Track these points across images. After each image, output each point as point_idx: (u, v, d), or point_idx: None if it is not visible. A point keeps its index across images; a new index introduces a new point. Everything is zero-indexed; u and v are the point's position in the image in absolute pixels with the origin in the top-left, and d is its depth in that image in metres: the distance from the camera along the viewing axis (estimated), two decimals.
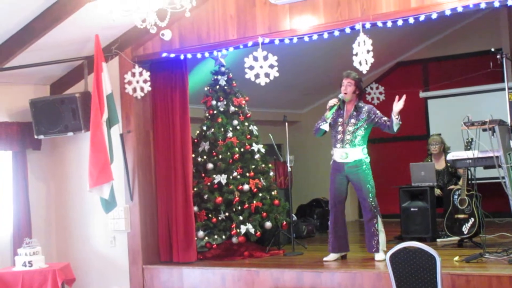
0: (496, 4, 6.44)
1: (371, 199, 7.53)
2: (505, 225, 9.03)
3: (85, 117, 7.98)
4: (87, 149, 7.71)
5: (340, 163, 7.63)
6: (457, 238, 8.28)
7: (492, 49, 7.35)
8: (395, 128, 7.49)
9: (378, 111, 7.67)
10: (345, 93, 7.62)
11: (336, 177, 7.69)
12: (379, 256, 7.46)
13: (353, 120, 7.58)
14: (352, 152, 7.57)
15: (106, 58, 7.93)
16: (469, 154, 7.29)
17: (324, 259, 7.72)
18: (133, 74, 8.24)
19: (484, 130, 6.94)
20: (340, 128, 7.63)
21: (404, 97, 7.41)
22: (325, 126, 7.64)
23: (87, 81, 8.22)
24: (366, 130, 7.62)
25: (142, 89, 8.24)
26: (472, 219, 8.07)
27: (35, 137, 8.29)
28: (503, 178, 6.79)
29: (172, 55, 8.03)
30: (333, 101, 7.61)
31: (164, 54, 8.05)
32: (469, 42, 12.20)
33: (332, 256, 7.73)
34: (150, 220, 8.39)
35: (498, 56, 7.21)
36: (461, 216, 8.18)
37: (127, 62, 8.28)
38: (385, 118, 7.60)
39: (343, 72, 7.70)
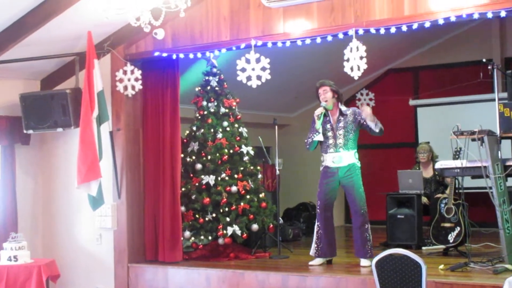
0: (489, 15, 6.48)
1: (362, 204, 7.56)
2: (491, 235, 9.05)
3: (75, 114, 7.95)
4: (76, 145, 7.69)
5: (333, 168, 7.64)
6: (442, 246, 8.31)
7: (484, 60, 7.39)
8: (377, 130, 7.52)
9: (361, 114, 7.68)
10: (326, 101, 7.65)
11: (328, 181, 7.69)
12: (365, 262, 7.48)
13: (341, 124, 7.61)
14: (346, 156, 7.59)
15: (98, 55, 7.91)
16: (457, 163, 7.34)
17: (310, 263, 7.73)
18: (125, 72, 8.23)
19: (473, 140, 6.99)
20: (330, 134, 7.65)
21: (367, 107, 7.47)
22: (319, 137, 7.66)
23: (78, 78, 8.20)
24: (355, 132, 7.65)
25: (133, 87, 8.23)
26: (458, 228, 8.10)
27: (24, 131, 8.26)
28: (490, 188, 6.83)
29: (165, 55, 8.03)
30: (319, 110, 7.64)
31: (157, 53, 8.05)
32: (461, 51, 12.26)
33: (318, 261, 7.74)
34: (137, 219, 8.38)
35: (489, 67, 7.25)
36: (447, 224, 8.21)
37: (119, 59, 8.26)
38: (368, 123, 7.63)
39: (316, 83, 7.75)
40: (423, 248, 8.80)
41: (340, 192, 7.87)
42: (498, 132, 7.09)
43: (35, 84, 8.77)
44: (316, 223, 7.85)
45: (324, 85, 7.70)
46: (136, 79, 8.22)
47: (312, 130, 7.70)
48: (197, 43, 7.90)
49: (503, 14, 6.42)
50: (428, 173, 9.70)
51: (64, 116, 8.04)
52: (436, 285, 6.31)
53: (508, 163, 7.00)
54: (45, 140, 8.82)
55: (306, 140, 7.79)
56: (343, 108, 7.72)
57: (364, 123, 7.60)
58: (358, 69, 6.87)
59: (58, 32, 7.58)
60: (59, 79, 8.66)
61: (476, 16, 6.51)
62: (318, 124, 7.61)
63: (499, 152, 6.98)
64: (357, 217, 7.62)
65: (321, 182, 7.74)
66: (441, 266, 7.01)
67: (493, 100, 7.24)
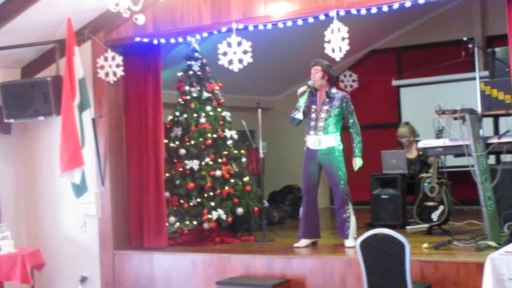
0: None
1: (342, 186, 7.58)
2: (474, 213, 9.12)
3: (56, 101, 7.90)
4: (58, 133, 7.65)
5: (313, 150, 7.66)
6: (426, 225, 8.36)
7: (464, 39, 7.41)
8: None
9: (350, 103, 7.68)
10: (313, 80, 7.65)
11: (309, 163, 7.72)
12: (349, 242, 7.52)
13: (326, 107, 7.61)
14: (325, 139, 7.60)
15: (78, 42, 7.86)
16: (439, 142, 7.37)
17: (295, 245, 7.76)
18: (106, 59, 8.18)
19: (455, 118, 7.02)
20: (313, 115, 7.65)
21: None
22: (299, 115, 7.67)
23: (58, 65, 8.14)
24: (339, 117, 7.65)
25: (114, 73, 8.18)
26: (442, 207, 8.14)
27: (5, 121, 8.20)
28: (472, 166, 6.87)
29: (146, 40, 7.99)
30: (302, 89, 7.65)
31: (138, 39, 8.01)
32: (442, 31, 12.26)
33: (303, 242, 7.77)
34: (121, 206, 8.36)
35: (470, 46, 7.27)
36: (430, 203, 8.25)
37: (99, 46, 8.21)
38: (352, 121, 7.67)
39: (312, 61, 7.73)
40: (407, 227, 8.85)
41: (324, 174, 7.88)
42: (479, 110, 7.12)
43: (15, 72, 8.71)
44: (302, 205, 7.89)
45: (317, 64, 7.67)
46: (118, 66, 8.17)
47: (296, 107, 7.70)
48: (178, 28, 7.87)
49: None
50: (412, 153, 9.74)
51: (45, 104, 7.99)
52: (420, 264, 6.35)
53: (489, 141, 7.04)
54: (26, 129, 8.77)
55: (290, 115, 7.78)
56: (333, 90, 7.70)
57: (348, 116, 7.67)
58: (340, 50, 6.87)
59: (38, 19, 7.53)
60: (40, 67, 8.60)
61: None
62: (301, 102, 7.61)
63: (481, 130, 7.01)
64: (337, 199, 7.66)
65: (304, 165, 7.77)
66: (425, 245, 7.06)
67: (475, 78, 7.26)
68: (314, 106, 7.67)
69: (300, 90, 7.65)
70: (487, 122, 7.78)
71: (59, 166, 7.58)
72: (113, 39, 8.25)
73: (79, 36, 8.01)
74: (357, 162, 7.68)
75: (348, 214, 7.60)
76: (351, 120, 7.68)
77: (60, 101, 7.69)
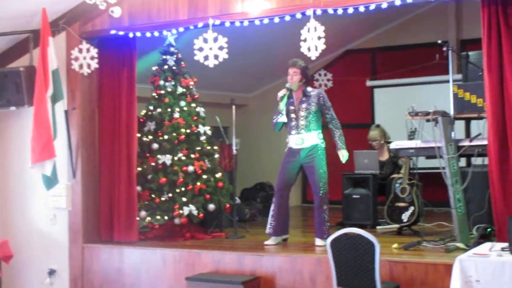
0: None
1: (322, 185, 7.58)
2: (443, 214, 9.20)
3: (29, 92, 7.84)
4: (30, 124, 7.59)
5: (296, 149, 7.65)
6: (396, 225, 8.42)
7: (439, 41, 7.46)
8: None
9: (327, 99, 7.70)
10: (291, 82, 7.65)
11: (289, 163, 7.71)
12: (319, 241, 7.54)
13: (304, 105, 7.61)
14: (308, 137, 7.61)
15: (53, 33, 7.79)
16: (412, 143, 7.42)
17: (265, 242, 7.77)
18: (80, 50, 8.13)
19: (428, 120, 7.07)
20: (293, 115, 7.65)
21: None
22: (283, 118, 7.65)
23: (32, 55, 8.07)
24: (318, 114, 7.66)
25: (89, 65, 8.13)
26: (412, 208, 8.20)
27: None
28: (443, 168, 6.92)
29: (121, 33, 7.94)
30: (282, 92, 7.63)
31: (113, 32, 7.96)
32: (417, 33, 12.35)
33: (274, 240, 7.78)
34: (92, 199, 8.31)
35: (444, 49, 7.33)
36: (401, 204, 8.31)
37: (74, 37, 8.15)
38: (330, 116, 7.67)
39: (289, 61, 7.71)
40: (378, 227, 8.90)
41: (305, 172, 7.89)
42: (452, 113, 7.18)
43: None
44: (273, 202, 7.89)
45: (295, 66, 7.63)
46: (92, 58, 8.12)
47: (277, 111, 7.69)
48: (154, 22, 7.84)
49: None
50: (383, 156, 9.78)
51: (17, 94, 7.92)
52: (390, 264, 6.39)
53: (461, 144, 7.10)
54: None
55: (272, 121, 7.77)
56: (308, 89, 7.72)
57: (326, 111, 7.66)
58: (316, 49, 6.90)
59: (12, 9, 7.45)
60: (13, 56, 8.51)
61: None
62: (282, 105, 7.61)
63: (453, 132, 7.07)
64: (316, 198, 7.65)
65: (283, 162, 7.76)
66: (395, 245, 7.10)
67: (448, 81, 7.32)
68: (292, 107, 7.67)
69: (280, 94, 7.63)
70: (459, 125, 7.84)
71: (30, 157, 7.52)
72: (88, 31, 8.19)
73: (54, 27, 7.95)
74: (344, 154, 7.66)
75: (327, 213, 7.63)
76: (329, 115, 7.69)
77: (33, 92, 7.63)
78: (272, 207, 7.87)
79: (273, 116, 7.75)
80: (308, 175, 7.76)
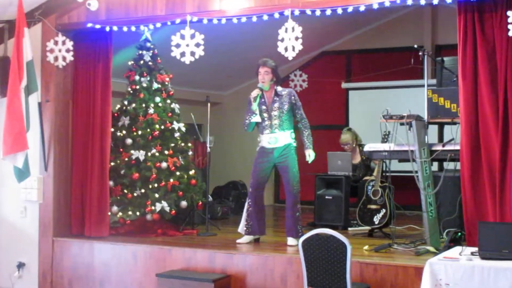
0: (422, 2, 6.59)
1: (295, 183, 7.61)
2: (415, 218, 9.28)
3: (2, 83, 7.79)
4: (3, 115, 7.52)
5: (269, 148, 7.65)
6: (368, 227, 8.47)
7: (415, 46, 7.51)
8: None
9: (298, 99, 7.73)
10: (263, 82, 7.65)
11: (263, 162, 7.70)
12: (292, 241, 7.55)
13: (276, 105, 7.62)
14: (281, 137, 7.62)
15: (28, 24, 7.73)
16: (385, 146, 7.46)
17: (237, 241, 7.76)
18: (56, 43, 8.07)
19: (402, 124, 7.11)
20: (265, 115, 7.65)
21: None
22: (257, 118, 7.64)
23: (7, 46, 8.01)
24: (290, 113, 7.67)
25: (64, 58, 8.07)
26: (384, 210, 8.26)
27: None
28: (416, 172, 6.97)
29: (98, 26, 7.90)
30: (255, 92, 7.62)
31: (89, 25, 7.92)
32: (393, 37, 12.42)
33: (246, 239, 7.78)
34: (63, 192, 8.25)
35: (420, 53, 7.38)
36: (373, 206, 8.36)
37: (50, 29, 8.09)
38: (300, 115, 7.71)
39: (259, 60, 7.72)
40: (349, 229, 8.94)
41: (279, 172, 7.90)
42: (426, 117, 7.23)
43: None
44: (247, 201, 7.87)
45: (266, 65, 7.63)
46: (68, 50, 8.07)
47: (248, 111, 7.68)
48: (131, 16, 7.81)
49: (435, 1, 6.54)
50: (355, 159, 9.83)
51: None
52: (360, 265, 6.43)
53: (434, 148, 7.16)
54: None
55: (244, 122, 7.75)
56: (279, 88, 7.73)
57: (297, 111, 7.69)
58: (293, 49, 6.92)
59: None
60: None
61: (409, 2, 6.61)
62: (255, 106, 7.60)
63: (426, 137, 7.13)
64: (290, 197, 7.67)
65: (256, 161, 7.75)
66: (366, 247, 7.14)
67: (423, 86, 7.37)
68: (264, 107, 7.67)
69: (254, 94, 7.61)
70: (433, 130, 7.91)
71: (2, 149, 7.46)
72: (64, 23, 8.13)
73: (30, 18, 7.88)
74: (311, 153, 7.70)
75: (299, 213, 7.65)
76: (299, 114, 7.72)
77: (7, 83, 7.57)
78: (246, 206, 7.86)
79: (245, 117, 7.74)
80: (282, 174, 7.77)
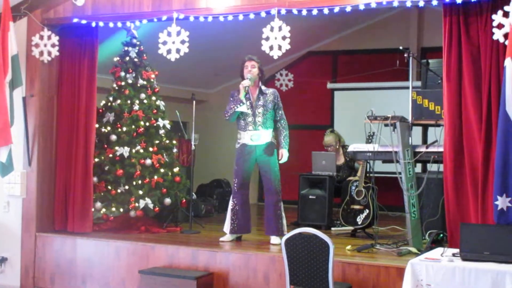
0: (408, 4, 6.63)
1: (277, 182, 7.63)
2: (397, 218, 9.32)
3: None
4: None
5: (251, 145, 7.66)
6: (351, 228, 8.50)
7: (401, 48, 7.55)
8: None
9: (280, 99, 7.74)
10: (252, 74, 7.64)
11: (246, 159, 7.69)
12: (275, 239, 7.57)
13: (260, 102, 7.63)
14: (264, 134, 7.62)
15: (14, 18, 7.70)
16: (369, 147, 7.49)
17: (221, 239, 7.77)
18: (41, 37, 8.04)
19: (386, 125, 7.14)
20: (249, 112, 7.66)
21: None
22: (243, 108, 7.58)
23: None
24: (272, 112, 7.68)
25: (49, 53, 8.05)
26: (367, 211, 8.29)
27: None
28: (399, 173, 7.01)
29: (84, 22, 7.88)
30: (246, 82, 7.60)
31: (75, 20, 7.89)
32: (379, 38, 12.47)
33: (229, 237, 7.79)
34: (47, 188, 8.22)
35: (405, 55, 7.41)
36: (356, 207, 8.39)
37: (36, 24, 8.06)
38: (281, 115, 7.72)
39: (245, 56, 7.74)
40: (332, 228, 8.97)
41: (255, 170, 7.91)
42: (410, 119, 7.26)
43: None
44: (232, 200, 7.86)
45: (253, 60, 7.68)
46: (53, 45, 8.04)
47: (232, 102, 7.65)
48: (117, 12, 7.80)
49: (421, 3, 6.58)
50: (339, 160, 9.85)
51: None
52: (343, 265, 6.46)
53: (417, 149, 7.19)
54: None
55: (226, 112, 7.69)
56: (263, 87, 7.75)
57: (278, 112, 7.71)
58: (280, 49, 6.94)
59: None
60: None
61: (396, 4, 6.65)
62: (243, 95, 7.59)
63: (410, 138, 7.16)
64: (272, 195, 7.68)
65: (239, 160, 7.74)
66: (348, 247, 7.17)
67: (408, 87, 7.40)
68: (248, 103, 7.67)
69: (245, 83, 7.58)
70: (417, 131, 7.95)
71: None
72: (50, 18, 8.10)
73: (15, 12, 7.85)
74: (285, 154, 7.72)
75: (281, 211, 7.66)
76: (280, 114, 7.74)
77: None
78: (231, 205, 7.85)
79: (228, 106, 7.71)
80: (262, 172, 7.78)
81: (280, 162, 7.74)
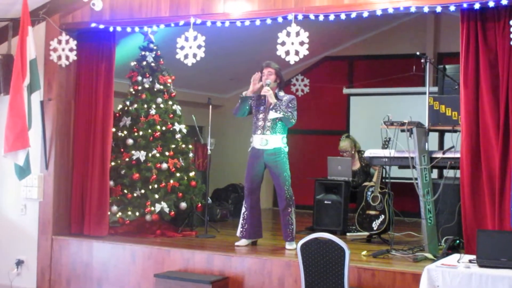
0: (426, 9, 6.62)
1: (287, 188, 7.61)
2: (413, 224, 9.28)
3: (5, 80, 7.80)
4: (5, 113, 7.53)
5: (259, 149, 7.67)
6: (366, 233, 8.47)
7: (417, 53, 7.53)
8: (280, 115, 7.55)
9: (295, 104, 7.67)
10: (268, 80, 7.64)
11: (254, 163, 7.71)
12: (290, 245, 7.56)
13: (274, 107, 7.62)
14: (272, 139, 7.62)
15: (32, 22, 7.75)
16: (385, 152, 7.48)
17: (236, 243, 7.77)
18: (59, 42, 8.09)
19: (402, 130, 7.13)
20: (261, 115, 7.67)
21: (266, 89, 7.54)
22: (249, 92, 7.64)
23: (10, 44, 8.02)
24: None
25: (67, 57, 8.10)
26: (383, 216, 8.27)
27: None
28: (416, 179, 6.99)
29: (101, 26, 7.92)
30: (269, 81, 7.57)
31: (93, 25, 7.94)
32: (396, 44, 12.45)
33: (244, 242, 7.79)
34: (63, 191, 8.27)
35: (422, 61, 7.40)
36: (372, 212, 8.37)
37: (54, 28, 8.11)
38: (291, 112, 7.66)
39: (263, 63, 7.74)
40: (348, 234, 8.95)
41: (268, 175, 7.91)
42: (426, 124, 7.25)
43: None
44: (243, 205, 7.89)
45: (270, 66, 7.66)
46: (71, 50, 8.09)
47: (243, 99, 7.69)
48: (135, 17, 7.84)
49: (438, 9, 6.58)
50: (355, 165, 9.83)
51: None
52: (358, 270, 6.44)
53: (434, 155, 7.17)
54: None
55: (235, 108, 7.75)
56: (281, 93, 7.73)
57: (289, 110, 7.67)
58: (297, 54, 6.92)
59: None
60: None
61: (413, 9, 6.64)
62: (256, 87, 7.60)
63: (427, 144, 7.15)
64: (281, 201, 7.67)
65: (248, 165, 7.75)
66: (364, 252, 7.15)
67: (424, 93, 7.39)
68: (262, 108, 7.69)
69: (268, 81, 7.59)
70: (433, 137, 7.93)
71: (3, 146, 7.46)
72: (68, 23, 8.15)
73: (34, 17, 7.90)
74: (268, 91, 7.54)
75: (291, 217, 7.66)
76: (290, 112, 7.61)
77: (10, 81, 7.58)
78: (243, 209, 7.87)
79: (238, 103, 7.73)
80: (273, 178, 7.77)
81: (266, 82, 7.62)
